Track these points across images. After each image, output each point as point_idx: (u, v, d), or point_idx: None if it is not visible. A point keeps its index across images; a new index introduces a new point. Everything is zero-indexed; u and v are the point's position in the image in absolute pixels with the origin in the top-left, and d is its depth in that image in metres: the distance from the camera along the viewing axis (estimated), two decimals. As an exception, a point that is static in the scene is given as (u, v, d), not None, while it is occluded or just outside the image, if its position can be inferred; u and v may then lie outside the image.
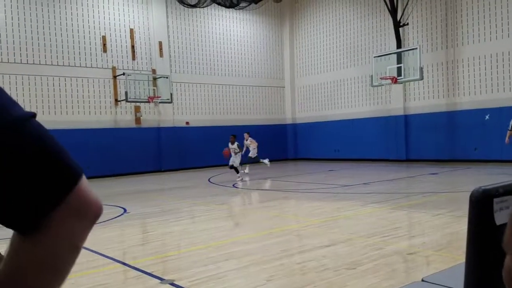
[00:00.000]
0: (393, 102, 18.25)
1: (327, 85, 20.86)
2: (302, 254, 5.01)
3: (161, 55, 18.35)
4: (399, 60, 16.13)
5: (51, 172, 0.65)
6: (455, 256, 4.59)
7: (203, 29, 19.73)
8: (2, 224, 0.66)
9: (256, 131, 21.15)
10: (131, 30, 17.71)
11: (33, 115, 0.66)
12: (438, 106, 16.87)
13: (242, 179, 13.65)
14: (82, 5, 16.59)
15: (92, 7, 16.83)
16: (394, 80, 15.89)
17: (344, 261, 4.58)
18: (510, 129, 11.89)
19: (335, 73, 20.48)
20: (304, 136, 21.87)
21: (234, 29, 20.70)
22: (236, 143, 13.86)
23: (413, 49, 15.58)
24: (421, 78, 15.31)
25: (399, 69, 16.01)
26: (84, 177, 0.69)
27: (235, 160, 13.68)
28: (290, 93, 22.42)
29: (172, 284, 4.10)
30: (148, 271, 4.52)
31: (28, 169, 0.63)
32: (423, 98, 17.44)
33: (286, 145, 22.31)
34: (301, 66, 22.16)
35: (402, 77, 15.90)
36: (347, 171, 15.28)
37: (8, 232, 0.66)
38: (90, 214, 0.70)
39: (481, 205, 1.02)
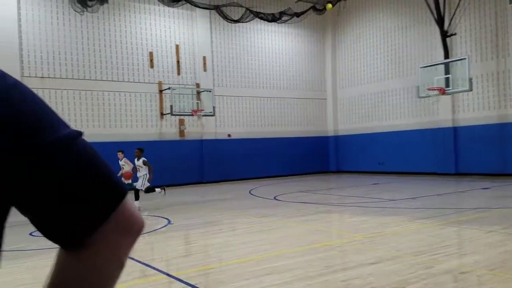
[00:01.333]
0: (441, 114, 17.64)
1: (371, 96, 20.50)
2: (346, 271, 4.89)
3: (204, 69, 18.75)
4: (447, 71, 15.62)
5: (98, 190, 0.66)
6: (511, 276, 4.32)
7: (245, 43, 20.00)
8: (49, 239, 0.67)
9: (297, 143, 21.08)
10: (177, 46, 18.23)
11: (81, 133, 0.68)
12: (489, 118, 16.14)
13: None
14: (130, 23, 17.29)
15: (140, 25, 17.49)
16: (442, 91, 15.39)
17: (391, 279, 4.41)
18: None
19: (379, 84, 20.10)
20: (347, 149, 21.53)
21: (275, 42, 20.84)
22: (142, 159, 11.05)
23: (461, 59, 15.05)
24: (470, 89, 14.73)
25: (447, 79, 15.49)
26: (128, 195, 0.70)
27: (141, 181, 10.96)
28: (332, 105, 22.21)
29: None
30: (192, 283, 4.55)
31: (76, 187, 0.64)
32: (472, 110, 16.75)
33: (328, 158, 22.04)
34: (344, 78, 21.93)
35: (450, 88, 15.37)
36: (392, 185, 14.86)
37: (49, 244, 0.67)
38: (134, 230, 0.71)
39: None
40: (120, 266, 0.70)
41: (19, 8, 15.05)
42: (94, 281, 0.68)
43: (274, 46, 20.78)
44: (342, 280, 4.48)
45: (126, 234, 0.70)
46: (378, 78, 20.17)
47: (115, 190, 0.68)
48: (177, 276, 4.89)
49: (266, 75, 20.53)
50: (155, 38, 17.78)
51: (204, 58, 18.74)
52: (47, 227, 0.66)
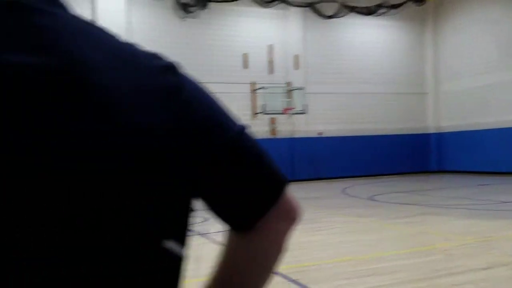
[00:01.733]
0: (561, 108, 15.73)
1: (478, 90, 18.88)
2: (455, 275, 4.58)
3: (296, 67, 18.77)
4: None
5: (268, 178, 0.72)
6: None
7: (338, 38, 19.63)
8: (224, 221, 0.73)
9: (393, 140, 20.19)
10: (270, 46, 18.50)
11: (247, 126, 0.73)
12: None
13: None
14: (226, 26, 17.95)
15: (235, 27, 18.09)
16: None
17: (507, 286, 4.06)
18: None
19: (488, 77, 18.45)
20: (450, 147, 20.10)
21: (369, 36, 20.14)
22: None
23: None
24: None
25: None
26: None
27: None
28: (433, 99, 20.90)
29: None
30: (293, 278, 4.60)
31: (251, 177, 0.70)
32: None
33: (428, 156, 20.78)
34: (447, 71, 20.50)
35: None
36: (503, 186, 13.58)
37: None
38: (294, 217, 0.75)
39: None
40: (280, 249, 0.75)
41: (128, 17, 16.38)
42: (260, 262, 0.73)
43: (367, 40, 20.09)
44: (453, 285, 4.21)
45: (286, 220, 0.74)
46: (486, 71, 18.53)
47: (281, 178, 0.73)
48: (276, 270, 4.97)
49: (359, 70, 19.94)
50: (249, 39, 18.24)
51: (297, 56, 18.77)
52: (224, 212, 0.72)
